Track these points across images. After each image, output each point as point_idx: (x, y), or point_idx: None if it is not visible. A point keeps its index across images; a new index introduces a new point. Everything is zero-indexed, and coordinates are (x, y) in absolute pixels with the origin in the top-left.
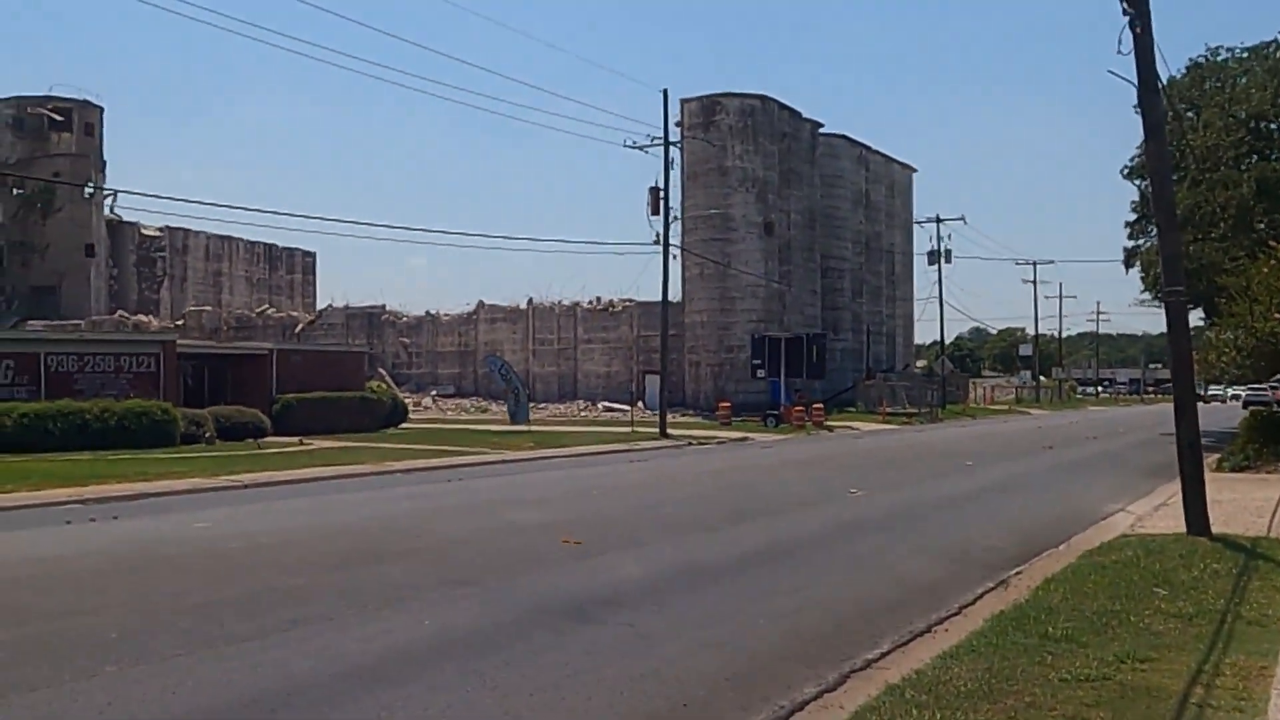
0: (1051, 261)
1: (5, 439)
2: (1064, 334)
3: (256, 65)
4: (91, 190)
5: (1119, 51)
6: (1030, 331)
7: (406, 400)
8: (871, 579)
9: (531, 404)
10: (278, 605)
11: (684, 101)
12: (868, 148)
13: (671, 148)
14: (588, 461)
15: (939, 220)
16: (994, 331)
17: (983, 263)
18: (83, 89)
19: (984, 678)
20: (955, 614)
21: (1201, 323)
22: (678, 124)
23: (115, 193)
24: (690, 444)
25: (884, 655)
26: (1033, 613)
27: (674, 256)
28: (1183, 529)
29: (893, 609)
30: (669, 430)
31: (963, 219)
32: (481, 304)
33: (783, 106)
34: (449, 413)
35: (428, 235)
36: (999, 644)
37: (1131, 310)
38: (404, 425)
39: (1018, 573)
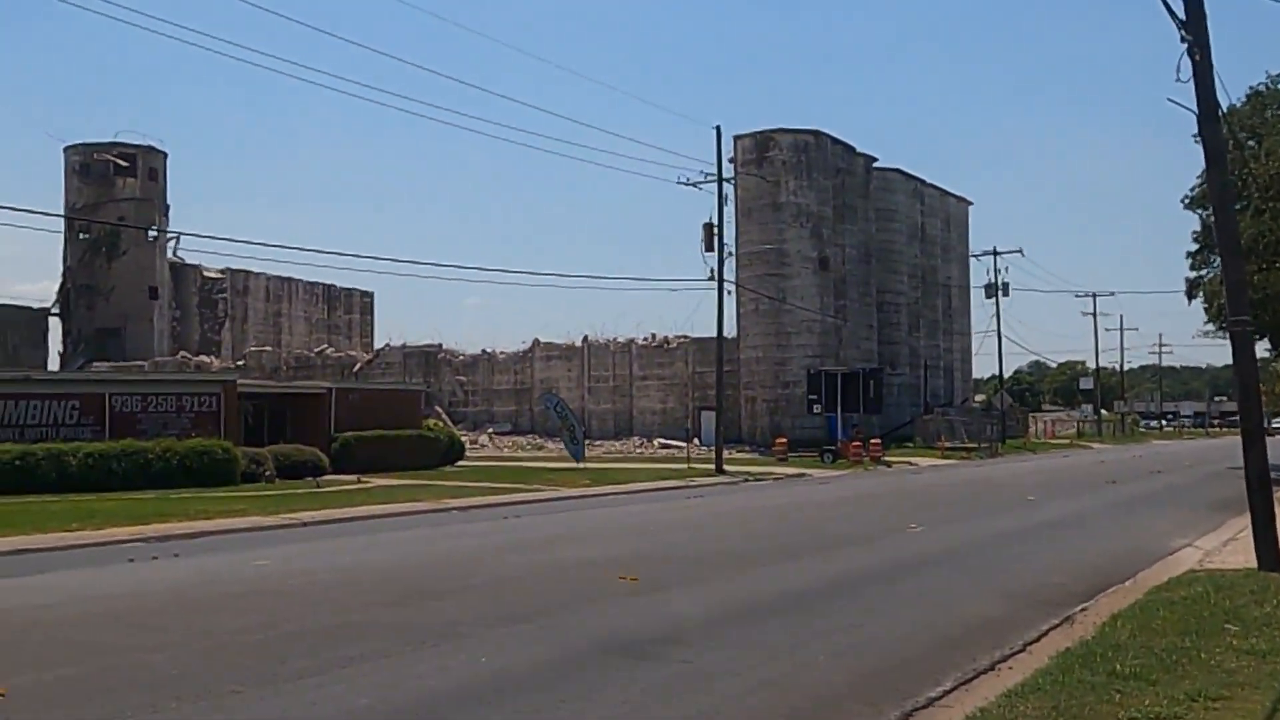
0: (1112, 293)
1: (71, 479)
2: (1126, 367)
3: (313, 108)
4: (155, 234)
5: (1178, 79)
6: (1091, 364)
7: (463, 438)
8: (933, 615)
9: (587, 441)
10: (336, 642)
11: (737, 138)
12: (923, 181)
13: (725, 184)
14: (644, 498)
15: (996, 253)
16: (1054, 365)
17: (1041, 295)
18: (146, 135)
19: (1050, 716)
20: (1019, 651)
21: (1267, 354)
22: (731, 160)
23: (178, 236)
24: (746, 480)
25: (947, 693)
26: (1100, 650)
27: (729, 292)
28: (1253, 564)
29: (955, 646)
30: (725, 466)
31: (1020, 251)
32: (537, 342)
33: (836, 141)
34: (505, 450)
35: (483, 274)
36: (1065, 682)
37: (1195, 342)
38: (461, 463)
39: (1083, 609)
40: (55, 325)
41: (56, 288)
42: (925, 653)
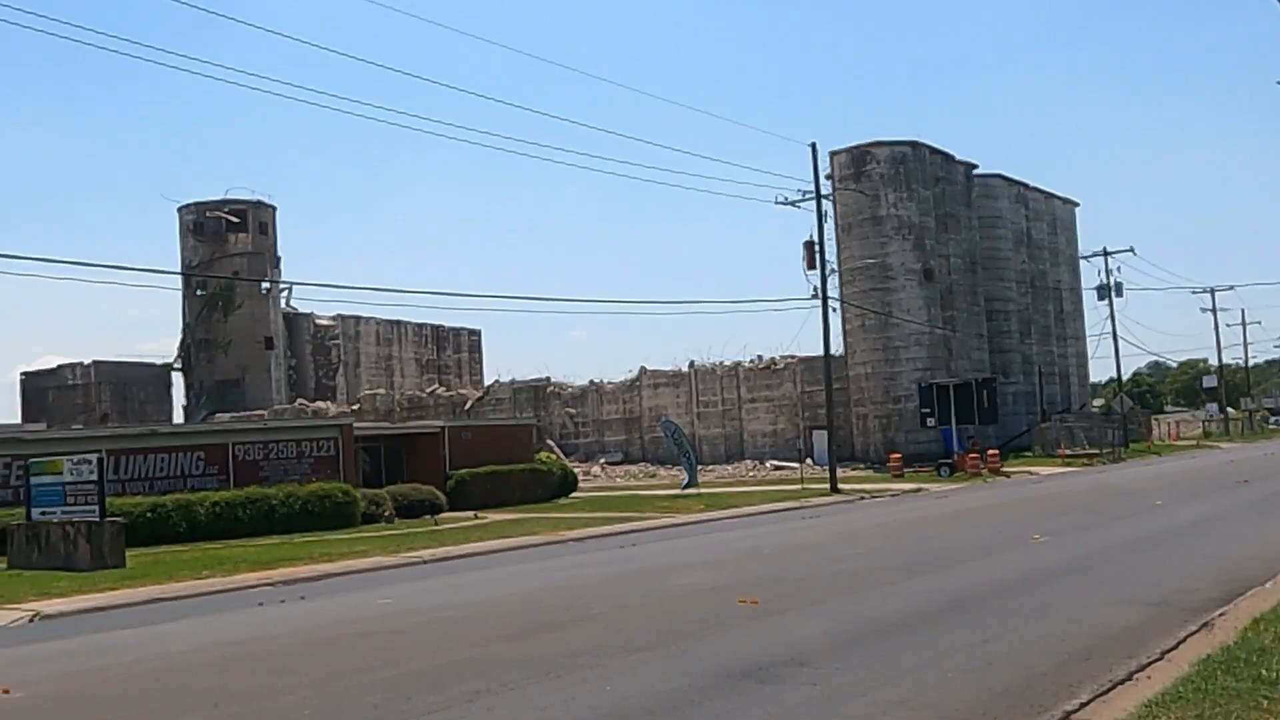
0: (1231, 287)
1: (199, 527)
2: (1250, 362)
3: (411, 152)
4: (268, 286)
5: None
6: (1213, 362)
7: (575, 469)
8: (1063, 628)
9: (699, 466)
10: (461, 677)
11: (833, 153)
12: (1025, 185)
13: (824, 201)
14: (759, 521)
15: (1106, 253)
16: (1174, 364)
17: (1157, 294)
18: (255, 190)
19: None
20: (1157, 659)
21: None
22: (828, 176)
23: (290, 286)
24: (862, 498)
25: (1084, 705)
26: (1243, 655)
27: (833, 309)
28: None
29: (1088, 657)
30: (839, 485)
31: (1132, 250)
32: (644, 370)
33: (934, 151)
34: (618, 479)
35: (587, 305)
36: (1208, 690)
37: None
38: (574, 494)
39: (1222, 614)
40: (178, 380)
41: (177, 343)
42: (1058, 666)
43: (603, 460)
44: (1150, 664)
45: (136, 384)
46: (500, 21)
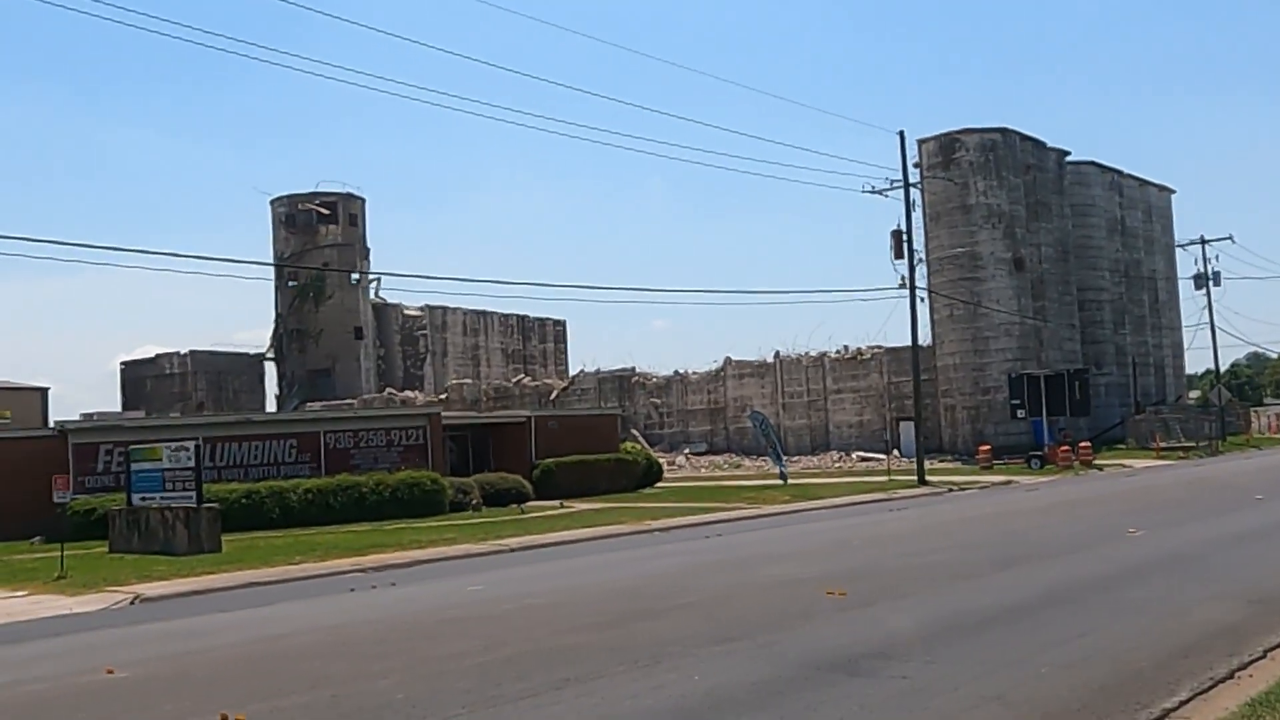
0: None
1: (293, 514)
2: None
3: (497, 143)
4: (357, 277)
5: None
6: None
7: (660, 459)
8: (1161, 623)
9: (785, 457)
10: (551, 664)
11: (921, 142)
12: (1119, 172)
13: (911, 189)
14: (846, 512)
15: (1204, 241)
16: (1274, 356)
17: (1257, 283)
18: (345, 183)
19: None
20: (1260, 658)
21: None
22: (916, 165)
23: (379, 277)
24: (950, 490)
25: (1184, 704)
26: None
27: (921, 299)
28: None
29: (1187, 654)
30: (927, 477)
31: (1230, 238)
32: (729, 360)
33: (1025, 138)
34: (702, 470)
35: (671, 295)
36: None
37: None
38: (659, 484)
39: None
40: (270, 369)
41: (270, 334)
42: (1157, 662)
43: (687, 450)
44: (1252, 662)
45: (231, 373)
46: (584, 11)
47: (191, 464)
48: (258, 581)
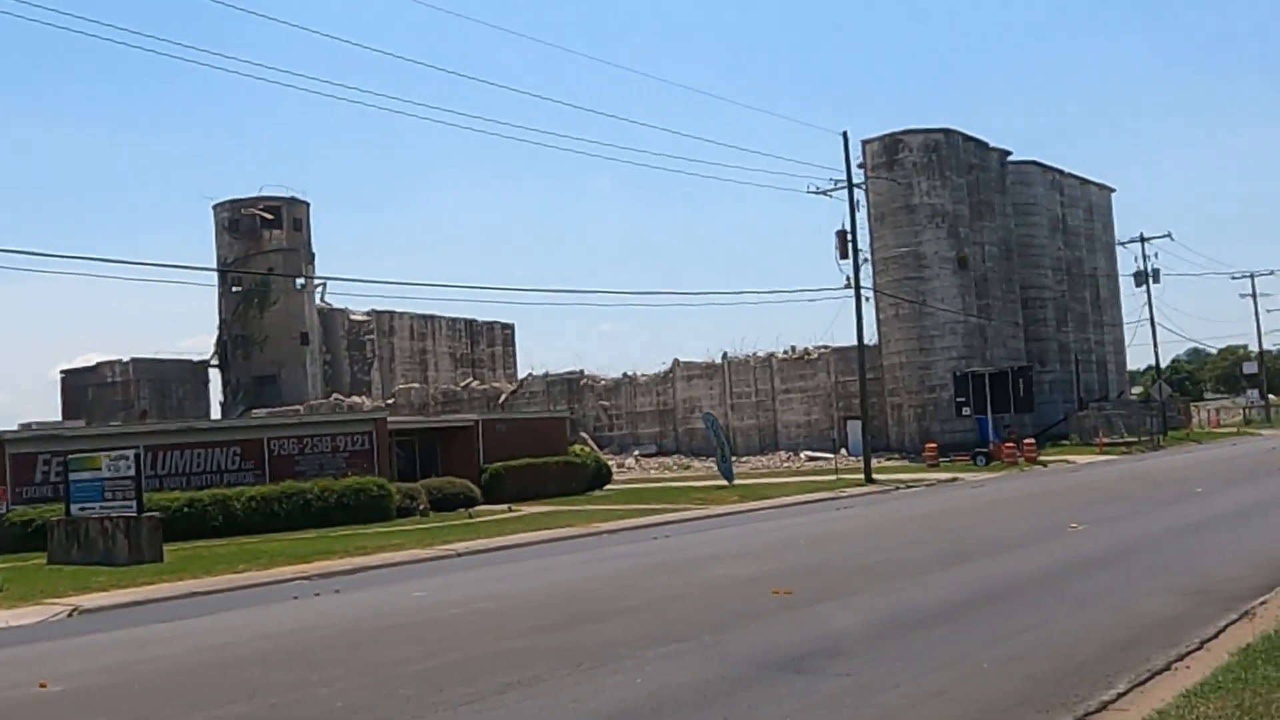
0: (1271, 272)
1: (236, 522)
2: None
3: (442, 146)
4: (303, 282)
5: None
6: (1254, 348)
7: (609, 461)
8: (1101, 617)
9: (733, 458)
10: (495, 668)
11: (865, 142)
12: (1060, 172)
13: (856, 189)
14: (793, 512)
15: (1144, 239)
16: (1214, 351)
17: (1195, 280)
18: (289, 187)
19: (1234, 715)
20: (1196, 649)
21: None
22: (860, 165)
23: (324, 282)
24: (897, 488)
25: (1121, 695)
26: None
27: (867, 299)
28: None
29: (1127, 647)
30: (874, 475)
31: (1169, 235)
32: (677, 362)
33: (967, 138)
34: (652, 471)
35: (619, 298)
36: (1248, 679)
37: None
38: (609, 486)
39: (1263, 602)
40: (215, 376)
41: (214, 340)
42: (1097, 655)
43: (636, 452)
44: (1190, 653)
45: (174, 381)
46: (531, 14)
47: (132, 473)
48: (200, 591)
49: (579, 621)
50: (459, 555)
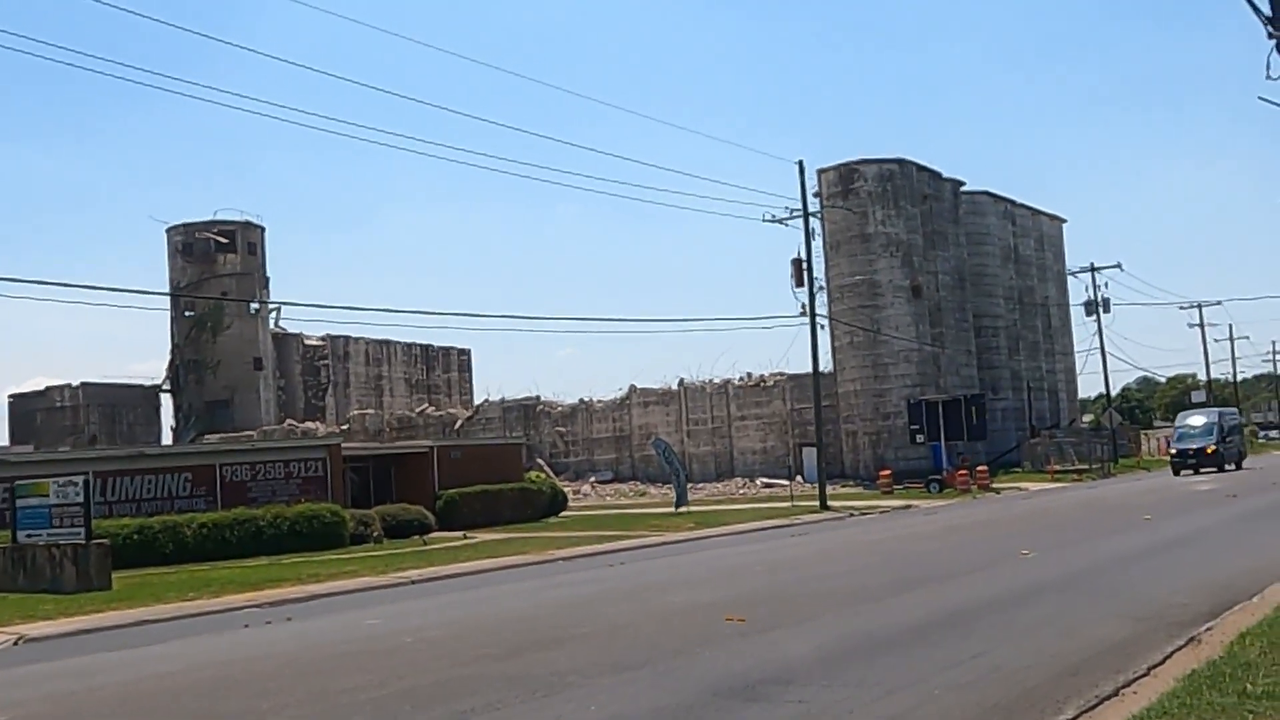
0: (1218, 302)
1: (187, 549)
2: (1239, 377)
3: (400, 171)
4: (257, 307)
5: (1268, 76)
6: (1202, 377)
7: (565, 488)
8: (1052, 643)
9: (689, 485)
10: (448, 696)
11: (821, 171)
12: (1013, 202)
13: (811, 218)
14: (749, 538)
15: (1094, 269)
16: (1163, 380)
17: (1145, 309)
18: (244, 211)
19: None
20: (1143, 675)
21: None
22: (816, 194)
23: (279, 307)
24: (852, 515)
25: None
26: (1229, 669)
27: (822, 326)
28: None
29: (1076, 673)
30: (829, 502)
31: (1119, 266)
32: (633, 388)
33: (921, 168)
34: (608, 498)
35: (576, 324)
36: (1193, 704)
37: None
38: (564, 513)
39: (1209, 628)
40: (166, 401)
41: (166, 365)
42: (1048, 680)
43: (593, 479)
44: (1137, 679)
45: (125, 406)
46: (491, 40)
47: (80, 499)
48: (149, 619)
49: (532, 649)
50: (413, 583)
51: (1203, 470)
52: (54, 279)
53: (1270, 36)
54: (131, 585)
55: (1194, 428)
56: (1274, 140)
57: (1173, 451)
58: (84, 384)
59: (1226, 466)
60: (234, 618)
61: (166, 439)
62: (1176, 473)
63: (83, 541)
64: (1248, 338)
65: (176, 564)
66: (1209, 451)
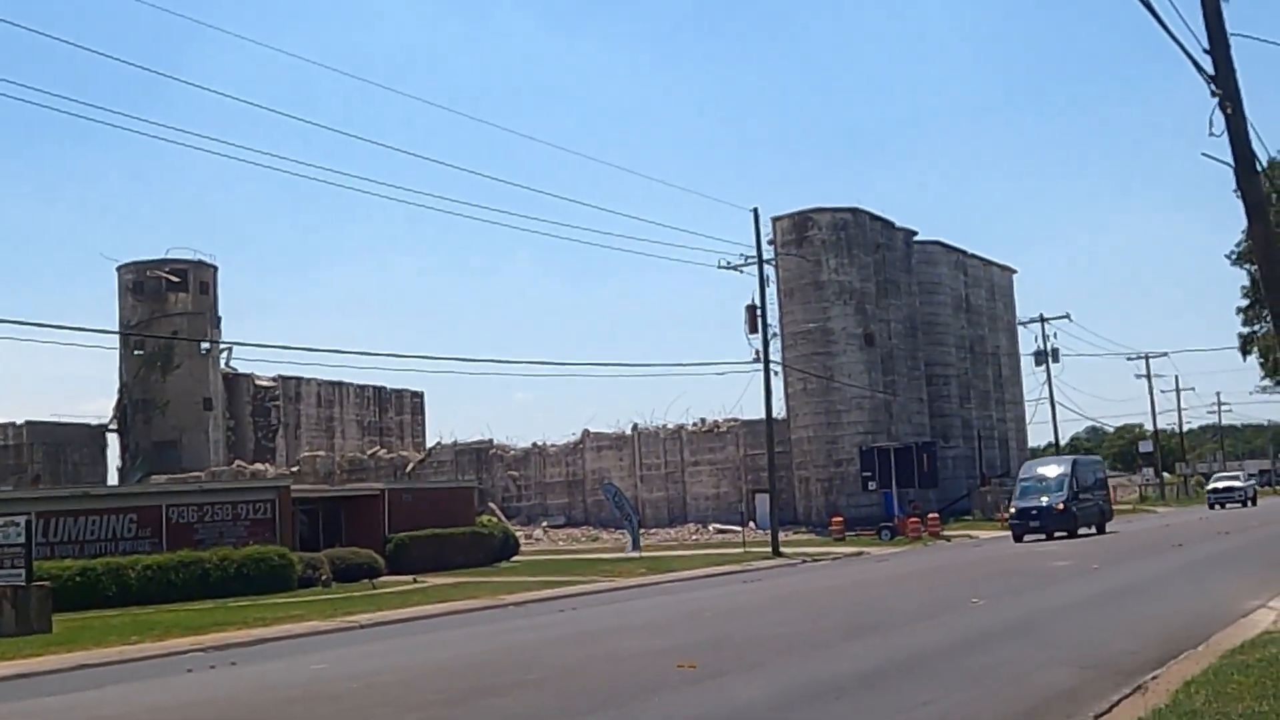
0: (1165, 354)
1: (131, 592)
2: (1185, 427)
3: (355, 213)
4: (208, 347)
5: (1211, 134)
6: (1149, 427)
7: (518, 532)
8: (1001, 690)
9: (642, 530)
10: None
11: (775, 219)
12: (964, 252)
13: (766, 265)
14: (701, 584)
15: (1043, 320)
16: (1111, 429)
17: (1093, 360)
18: (196, 250)
19: None
20: None
21: None
22: (770, 242)
23: (230, 347)
24: (804, 561)
25: None
26: (1174, 718)
27: (775, 373)
28: None
29: (1027, 719)
30: (782, 549)
31: (1068, 316)
32: (587, 433)
33: (874, 218)
34: (560, 543)
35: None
36: None
37: (1255, 399)
38: (516, 558)
39: (1154, 677)
40: (114, 441)
41: (114, 404)
42: None
43: (545, 523)
44: None
45: (71, 445)
46: (449, 85)
47: (22, 540)
48: (90, 663)
49: (481, 695)
50: (361, 627)
51: (1055, 536)
52: (1, 315)
53: (1213, 94)
54: (73, 628)
55: (1045, 479)
56: (1219, 194)
57: (1012, 511)
58: (29, 422)
59: (1081, 530)
60: (177, 662)
61: (113, 479)
62: (1018, 538)
63: (23, 583)
64: (1193, 389)
65: (120, 607)
66: (1058, 509)
